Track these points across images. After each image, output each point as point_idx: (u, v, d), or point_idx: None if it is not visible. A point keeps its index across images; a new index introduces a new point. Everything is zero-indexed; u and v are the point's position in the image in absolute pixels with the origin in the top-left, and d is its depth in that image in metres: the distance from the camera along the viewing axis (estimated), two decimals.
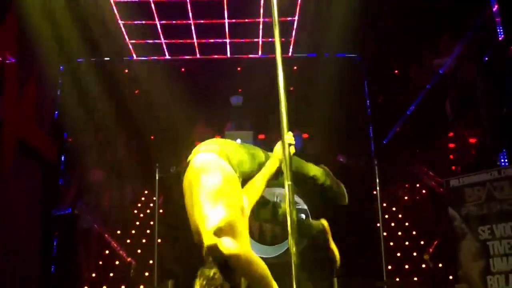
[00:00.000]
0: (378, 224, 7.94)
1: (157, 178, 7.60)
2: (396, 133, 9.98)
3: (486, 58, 9.12)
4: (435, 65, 10.04)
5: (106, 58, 8.69)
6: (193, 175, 3.04)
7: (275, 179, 3.29)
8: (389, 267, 7.79)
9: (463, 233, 5.77)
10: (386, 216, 9.00)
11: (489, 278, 5.49)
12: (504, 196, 5.61)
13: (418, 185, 9.34)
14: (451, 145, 10.04)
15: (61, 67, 8.62)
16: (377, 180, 8.22)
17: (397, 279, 7.32)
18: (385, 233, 8.42)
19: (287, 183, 3.32)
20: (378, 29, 8.76)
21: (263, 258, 7.29)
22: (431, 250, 6.09)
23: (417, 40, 9.05)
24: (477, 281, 5.55)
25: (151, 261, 7.67)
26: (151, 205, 8.96)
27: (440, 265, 6.82)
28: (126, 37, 8.31)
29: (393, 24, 8.74)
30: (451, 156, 9.78)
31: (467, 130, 10.03)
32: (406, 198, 9.43)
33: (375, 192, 8.12)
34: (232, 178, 3.02)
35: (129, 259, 5.83)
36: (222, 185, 2.92)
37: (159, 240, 7.07)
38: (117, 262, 7.48)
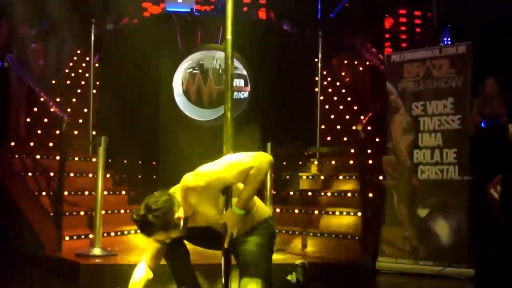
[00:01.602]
0: (317, 89, 8.04)
1: (92, 34, 7.36)
2: (344, 8, 9.82)
3: None
4: None
5: None
6: (198, 178, 3.14)
7: None
8: (329, 138, 8.03)
9: (397, 108, 5.85)
10: (330, 90, 9.11)
11: (416, 151, 5.68)
12: (442, 74, 5.68)
13: (360, 61, 9.39)
14: (396, 23, 10.04)
15: None
16: (320, 55, 8.22)
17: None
18: (327, 106, 8.58)
19: (228, 36, 3.23)
20: None
21: (200, 121, 7.30)
22: (364, 121, 6.18)
23: None
24: (404, 153, 5.73)
25: (80, 120, 7.60)
26: (84, 65, 8.73)
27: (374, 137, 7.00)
28: None
29: None
30: (396, 35, 9.83)
31: (414, 8, 10.01)
32: (347, 72, 9.50)
33: (319, 65, 8.15)
34: None
35: (61, 114, 5.66)
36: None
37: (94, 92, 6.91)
38: (45, 120, 7.35)
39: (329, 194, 6.70)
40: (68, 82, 8.48)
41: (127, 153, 7.18)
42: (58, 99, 7.50)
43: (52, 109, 6.17)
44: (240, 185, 3.25)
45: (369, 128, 6.92)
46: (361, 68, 9.32)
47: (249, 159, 3.12)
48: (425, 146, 5.65)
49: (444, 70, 5.68)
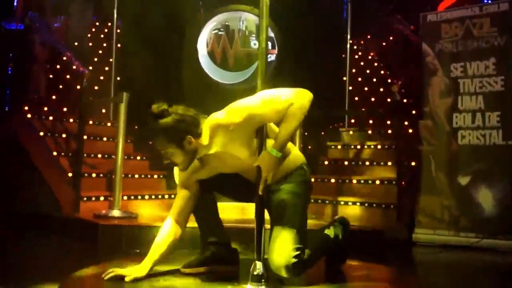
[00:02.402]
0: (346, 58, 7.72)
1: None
2: None
3: None
4: None
5: None
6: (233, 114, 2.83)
7: None
8: (356, 98, 7.72)
9: (435, 69, 5.53)
10: (362, 64, 8.76)
11: (456, 115, 5.34)
12: (483, 33, 5.33)
13: (391, 32, 9.03)
14: None
15: None
16: (349, 23, 7.84)
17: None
18: (355, 74, 8.24)
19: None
20: None
21: (225, 84, 7.00)
22: (400, 83, 5.83)
23: None
24: (442, 117, 5.40)
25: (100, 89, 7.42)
26: (106, 30, 8.50)
27: (406, 100, 6.64)
28: None
29: None
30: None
31: None
32: (377, 43, 9.15)
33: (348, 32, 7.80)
34: None
35: (81, 69, 5.39)
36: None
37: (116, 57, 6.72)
38: (66, 82, 7.16)
39: (360, 163, 6.36)
40: (90, 49, 8.26)
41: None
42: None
43: (73, 71, 5.96)
44: (275, 127, 2.94)
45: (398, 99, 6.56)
46: (392, 38, 8.96)
47: (289, 94, 2.77)
48: (465, 110, 5.30)
49: (485, 29, 5.33)
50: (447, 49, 5.48)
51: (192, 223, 3.13)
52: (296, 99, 2.75)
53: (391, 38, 8.84)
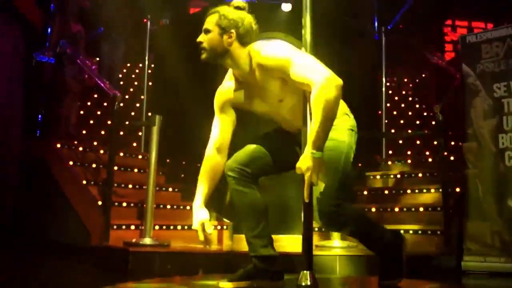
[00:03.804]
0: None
1: (148, 30, 7.17)
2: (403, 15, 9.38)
3: None
4: None
5: None
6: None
7: None
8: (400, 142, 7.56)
9: (477, 90, 5.29)
10: (390, 92, 8.59)
11: (501, 136, 5.06)
12: None
13: (423, 66, 8.90)
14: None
15: None
16: (384, 54, 7.71)
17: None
18: (388, 104, 8.05)
19: None
20: None
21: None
22: (441, 104, 5.60)
23: None
24: (487, 139, 5.13)
25: (138, 104, 7.33)
26: (138, 67, 8.49)
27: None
28: None
29: None
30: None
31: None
32: (410, 77, 9.04)
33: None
34: None
35: (113, 91, 5.24)
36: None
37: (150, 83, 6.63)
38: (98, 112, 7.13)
39: (401, 191, 6.11)
40: (122, 82, 8.26)
41: (181, 153, 6.81)
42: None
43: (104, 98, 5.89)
44: None
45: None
46: (425, 69, 8.83)
47: (314, 73, 2.59)
48: (511, 130, 5.02)
49: None
50: (489, 69, 5.27)
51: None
52: (318, 81, 2.55)
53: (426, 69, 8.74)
